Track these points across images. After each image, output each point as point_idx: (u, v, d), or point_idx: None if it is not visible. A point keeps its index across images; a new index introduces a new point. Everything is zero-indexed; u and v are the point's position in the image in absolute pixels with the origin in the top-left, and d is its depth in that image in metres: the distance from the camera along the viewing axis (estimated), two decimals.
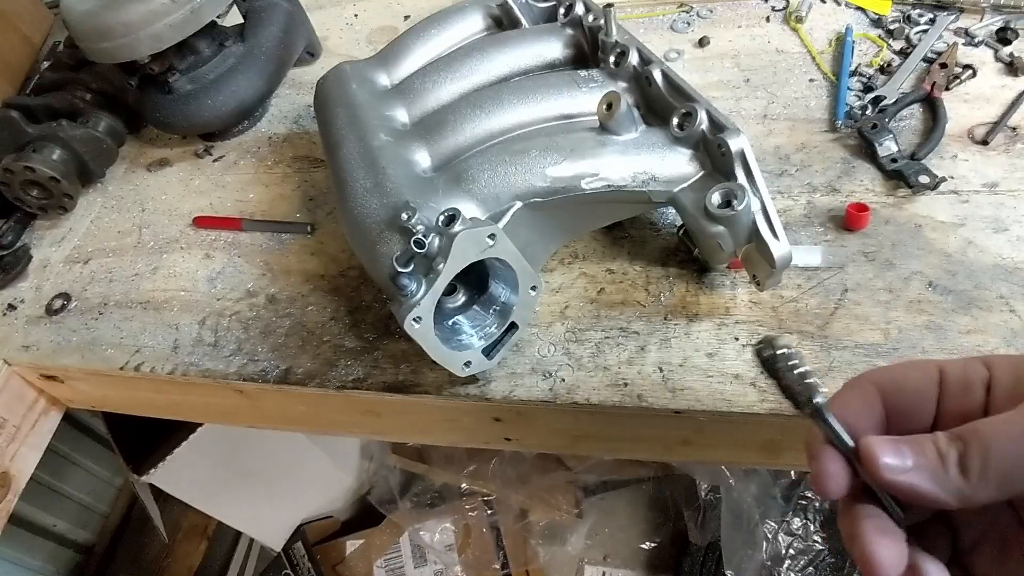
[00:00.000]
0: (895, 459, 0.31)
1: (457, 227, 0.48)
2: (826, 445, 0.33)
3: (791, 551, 1.28)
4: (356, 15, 1.01)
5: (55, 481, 1.43)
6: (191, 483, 1.13)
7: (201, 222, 0.78)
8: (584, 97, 0.61)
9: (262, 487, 1.31)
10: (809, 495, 1.30)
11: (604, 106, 0.55)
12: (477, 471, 1.43)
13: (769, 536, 1.28)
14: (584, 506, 1.45)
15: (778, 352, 0.36)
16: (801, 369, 0.35)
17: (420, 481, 1.46)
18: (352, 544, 1.47)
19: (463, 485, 1.44)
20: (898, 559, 0.31)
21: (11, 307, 0.77)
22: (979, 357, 0.34)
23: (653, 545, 1.42)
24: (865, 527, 0.32)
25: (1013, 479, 0.29)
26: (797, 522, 1.29)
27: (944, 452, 0.30)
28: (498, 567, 1.42)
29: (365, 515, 1.51)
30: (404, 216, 0.50)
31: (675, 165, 0.55)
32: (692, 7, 0.86)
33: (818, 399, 0.34)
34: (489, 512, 1.44)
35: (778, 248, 0.51)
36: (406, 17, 0.98)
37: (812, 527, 1.29)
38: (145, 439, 1.05)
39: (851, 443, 0.32)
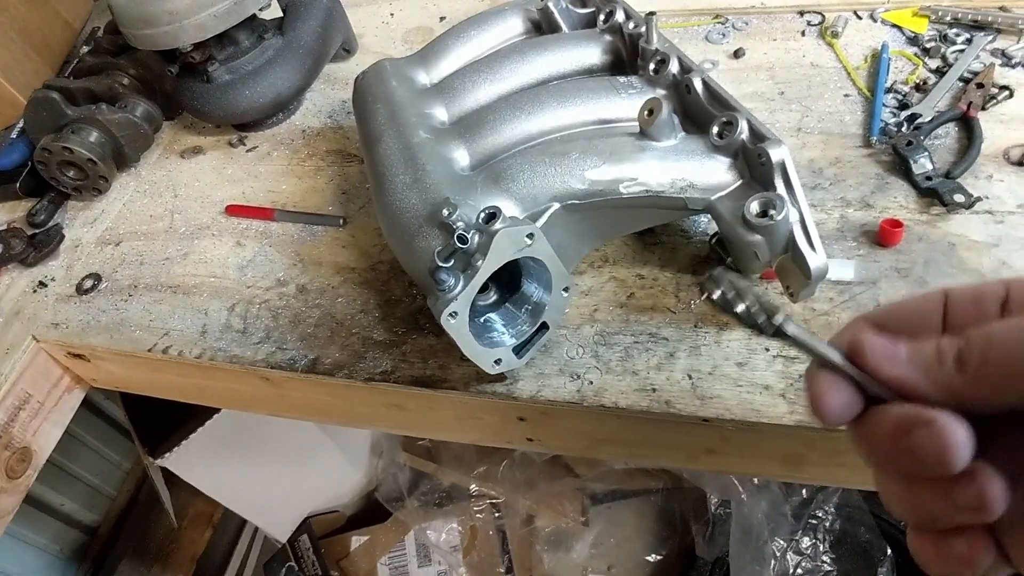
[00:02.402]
0: (886, 351, 0.28)
1: (497, 225, 0.48)
2: (819, 368, 0.31)
3: (799, 571, 1.28)
4: (392, 14, 1.02)
5: (65, 460, 1.44)
6: (204, 469, 1.14)
7: (233, 210, 0.79)
8: (623, 103, 0.61)
9: (272, 478, 1.32)
10: (820, 515, 1.29)
11: (646, 112, 0.55)
12: (486, 473, 1.43)
13: (777, 554, 1.27)
14: (591, 514, 1.45)
15: (728, 283, 0.34)
16: (755, 294, 0.34)
17: (428, 480, 1.46)
18: (357, 540, 1.46)
19: (472, 487, 1.43)
20: (965, 438, 0.27)
21: (42, 284, 0.78)
22: (998, 279, 0.31)
23: (659, 558, 1.41)
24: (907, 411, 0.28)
25: (1014, 378, 0.26)
26: (807, 541, 1.28)
27: (944, 349, 0.28)
28: (502, 571, 1.41)
29: (371, 511, 1.51)
30: (444, 212, 0.50)
31: (713, 173, 0.55)
32: (727, 19, 0.87)
33: (779, 316, 0.32)
34: (496, 515, 1.43)
35: (815, 260, 0.51)
36: (442, 18, 0.99)
37: (822, 547, 1.28)
38: (161, 423, 1.06)
39: (832, 355, 0.30)
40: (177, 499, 1.49)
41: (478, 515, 1.43)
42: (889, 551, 1.22)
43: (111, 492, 1.59)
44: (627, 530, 1.45)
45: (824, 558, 1.28)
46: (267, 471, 1.29)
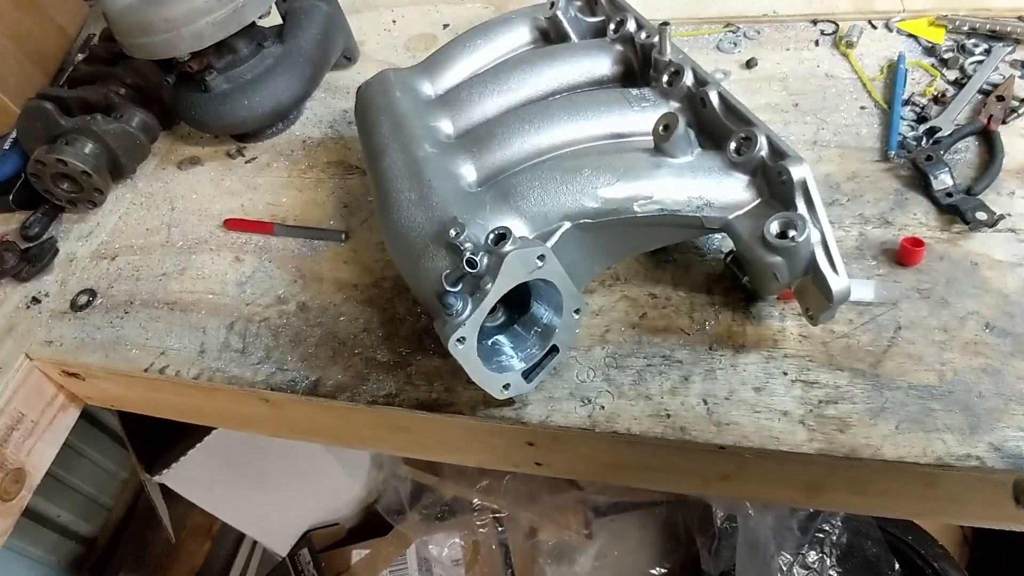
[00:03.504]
0: None
1: (507, 247, 0.46)
2: None
3: None
4: (394, 21, 1.00)
5: (61, 472, 1.41)
6: (202, 485, 1.11)
7: (232, 224, 0.77)
8: (636, 116, 0.59)
9: (271, 491, 1.30)
10: (827, 528, 1.27)
11: (661, 127, 0.53)
12: (489, 486, 1.40)
13: (784, 568, 1.25)
14: (594, 527, 1.42)
15: None
16: None
17: (430, 493, 1.44)
18: (358, 554, 1.44)
19: (474, 500, 1.41)
20: None
21: (35, 300, 0.76)
22: None
23: (663, 571, 1.39)
24: None
25: None
26: (813, 555, 1.26)
27: None
28: None
29: (372, 524, 1.49)
30: (452, 232, 0.48)
31: (731, 191, 0.53)
32: (739, 27, 0.85)
33: None
34: (499, 528, 1.41)
35: (836, 282, 0.49)
36: (445, 26, 0.97)
37: (828, 561, 1.26)
38: (159, 439, 1.04)
39: None
40: (175, 511, 1.46)
41: (481, 529, 1.41)
42: (897, 565, 1.20)
43: (108, 503, 1.57)
44: (631, 543, 1.42)
45: (831, 572, 1.26)
46: (266, 485, 1.27)
